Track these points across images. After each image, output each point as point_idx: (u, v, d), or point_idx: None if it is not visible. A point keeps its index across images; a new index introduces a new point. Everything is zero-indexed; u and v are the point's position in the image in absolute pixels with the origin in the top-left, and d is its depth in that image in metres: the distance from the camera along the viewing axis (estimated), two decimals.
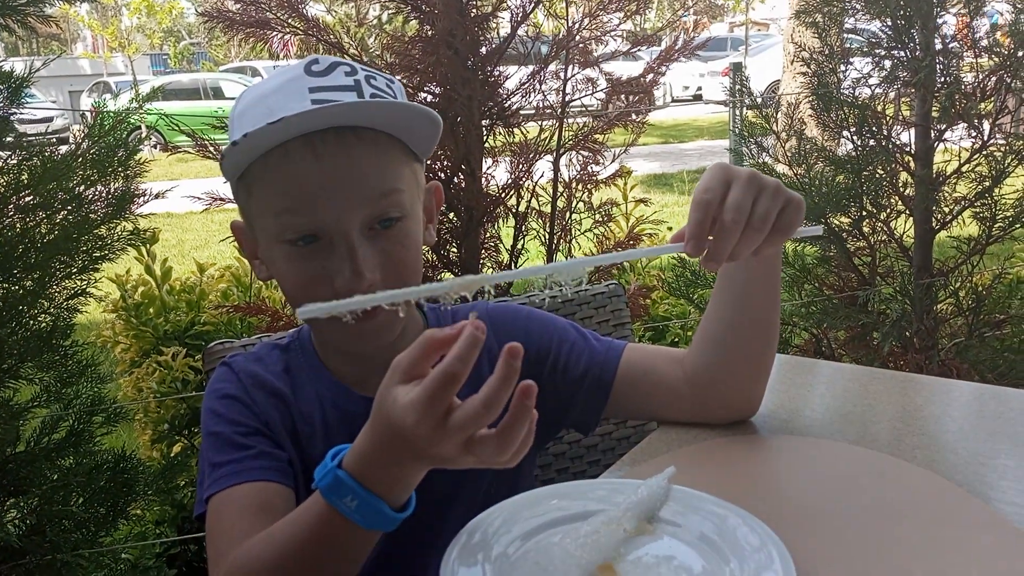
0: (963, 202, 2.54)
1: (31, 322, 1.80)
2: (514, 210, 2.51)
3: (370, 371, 0.98)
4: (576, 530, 0.78)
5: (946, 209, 2.56)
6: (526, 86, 2.51)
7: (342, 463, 0.74)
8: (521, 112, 2.50)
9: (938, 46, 2.56)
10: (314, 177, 0.88)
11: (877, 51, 2.59)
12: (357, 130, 0.90)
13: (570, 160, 2.57)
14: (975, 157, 2.54)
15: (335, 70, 0.92)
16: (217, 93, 16.35)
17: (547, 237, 2.57)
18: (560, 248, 2.58)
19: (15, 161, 1.80)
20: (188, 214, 8.32)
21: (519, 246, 2.54)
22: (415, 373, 0.70)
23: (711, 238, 0.82)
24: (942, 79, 2.55)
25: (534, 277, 0.75)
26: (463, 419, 0.68)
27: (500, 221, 2.53)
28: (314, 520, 0.76)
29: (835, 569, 0.76)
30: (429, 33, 2.39)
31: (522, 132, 2.54)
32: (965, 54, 2.58)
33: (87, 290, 1.88)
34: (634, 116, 2.67)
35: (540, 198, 2.56)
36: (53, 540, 1.74)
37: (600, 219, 2.60)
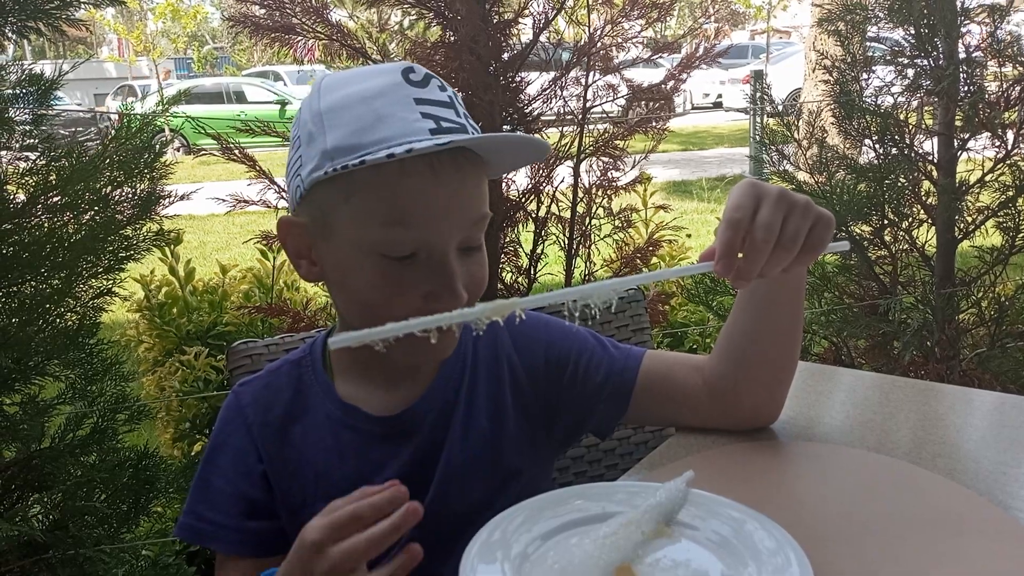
0: (986, 212, 2.52)
1: (58, 320, 1.82)
2: (534, 215, 2.52)
3: (379, 389, 1.01)
4: (595, 531, 0.79)
5: (969, 219, 2.54)
6: (547, 92, 2.52)
7: None
8: (542, 118, 2.52)
9: (962, 55, 2.55)
10: (432, 196, 0.87)
11: (900, 59, 2.58)
12: (467, 152, 0.90)
13: (590, 166, 2.58)
14: (998, 167, 2.52)
15: (430, 82, 0.91)
16: (240, 97, 16.49)
17: (566, 242, 2.58)
18: (579, 253, 2.58)
19: (44, 162, 1.84)
20: (210, 216, 8.40)
21: (539, 251, 2.55)
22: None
23: (740, 255, 0.82)
24: (965, 88, 2.53)
25: (565, 300, 0.75)
26: (346, 548, 0.73)
27: (520, 226, 2.54)
28: None
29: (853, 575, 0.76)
30: (452, 39, 2.41)
31: (543, 137, 2.55)
32: (989, 63, 2.57)
33: (112, 289, 1.91)
34: (654, 123, 2.67)
35: (560, 203, 2.57)
36: (76, 535, 1.77)
37: (619, 225, 2.61)
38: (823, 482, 0.96)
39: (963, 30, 2.52)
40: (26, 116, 1.89)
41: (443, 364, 1.02)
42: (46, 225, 1.81)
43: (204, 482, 1.00)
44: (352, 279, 0.91)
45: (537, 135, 2.50)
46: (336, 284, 0.95)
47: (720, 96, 18.14)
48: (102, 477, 1.82)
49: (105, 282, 1.90)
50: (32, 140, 1.90)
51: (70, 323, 1.84)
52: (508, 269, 2.51)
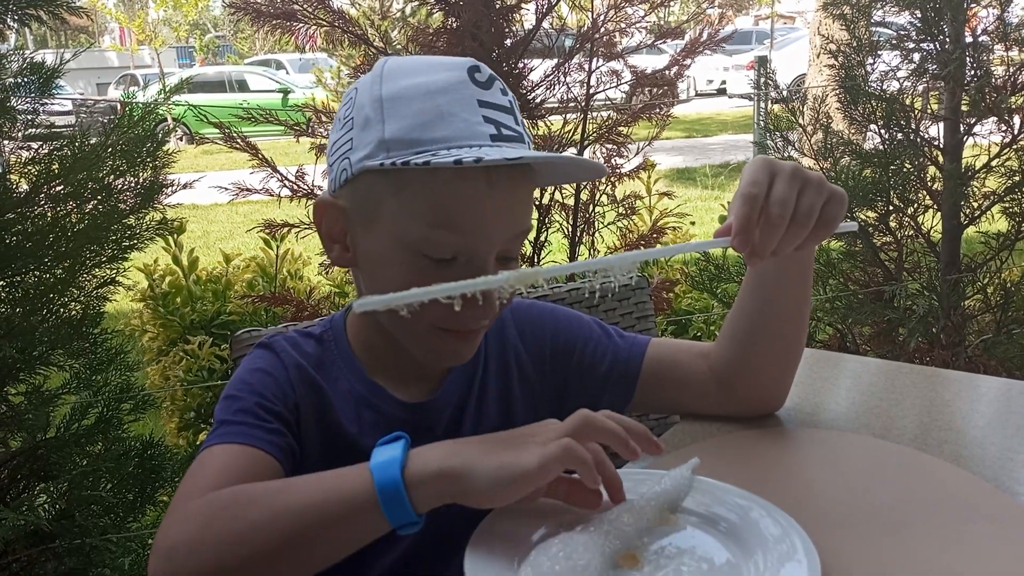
0: (992, 197, 2.51)
1: (61, 310, 1.83)
2: (537, 202, 2.52)
3: (408, 376, 0.99)
4: (600, 519, 0.79)
5: (975, 204, 2.53)
6: (550, 78, 2.51)
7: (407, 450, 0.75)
8: (545, 104, 2.50)
9: (968, 39, 2.53)
10: (483, 205, 0.85)
11: (906, 44, 2.56)
12: (523, 166, 0.88)
13: (594, 153, 2.57)
14: (1005, 152, 2.51)
15: (493, 84, 0.89)
16: (242, 86, 16.46)
17: (570, 230, 2.57)
18: (583, 241, 2.58)
19: (46, 151, 1.83)
20: (213, 206, 8.41)
21: (542, 238, 2.54)
22: None
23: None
24: (972, 72, 2.51)
25: (586, 270, 0.75)
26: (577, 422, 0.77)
27: None
28: (344, 469, 0.75)
29: (859, 562, 0.76)
30: (454, 25, 2.40)
31: (546, 124, 2.54)
32: (996, 47, 2.55)
33: (116, 279, 1.91)
34: (658, 109, 2.66)
35: (563, 190, 2.56)
36: (82, 525, 1.77)
37: (623, 212, 2.60)
38: (829, 468, 0.96)
39: (969, 14, 2.50)
40: (27, 105, 1.88)
41: (456, 367, 1.01)
42: (49, 214, 1.81)
43: (233, 400, 0.91)
44: (386, 272, 0.89)
45: (541, 123, 2.49)
46: (368, 274, 0.93)
47: (724, 83, 18.06)
48: (108, 466, 1.83)
49: (109, 271, 1.90)
50: (34, 129, 1.89)
51: (74, 313, 1.85)
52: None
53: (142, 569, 1.92)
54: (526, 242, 2.54)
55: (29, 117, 1.88)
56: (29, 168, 1.79)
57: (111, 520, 1.84)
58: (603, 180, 2.56)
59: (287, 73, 18.71)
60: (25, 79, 1.87)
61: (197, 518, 0.74)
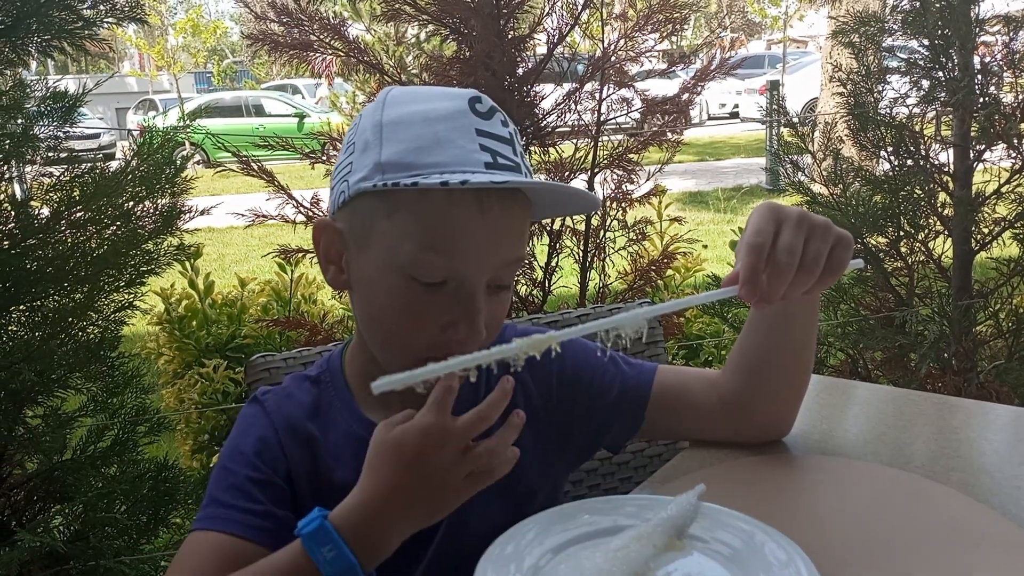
0: (1003, 223, 2.51)
1: (80, 334, 1.86)
2: (548, 227, 2.54)
3: (409, 406, 1.01)
4: (606, 544, 0.80)
5: (985, 230, 2.53)
6: (562, 106, 2.54)
7: (328, 516, 0.78)
8: (556, 131, 2.53)
9: (977, 66, 2.54)
10: (474, 230, 0.86)
11: (915, 71, 2.57)
12: (516, 194, 0.89)
13: (604, 178, 2.59)
14: (1015, 178, 2.51)
15: (494, 115, 0.90)
16: (259, 111, 16.66)
17: (581, 255, 2.59)
18: (594, 266, 2.59)
19: (68, 178, 1.87)
20: (229, 228, 8.48)
21: (553, 263, 2.56)
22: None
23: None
24: (981, 99, 2.52)
25: (598, 331, 0.77)
26: (462, 424, 0.78)
27: (534, 238, 2.55)
28: (286, 565, 0.78)
29: None
30: (467, 54, 2.43)
31: (557, 151, 2.56)
32: (1005, 74, 2.56)
33: (134, 303, 1.94)
34: (669, 135, 2.68)
35: (574, 216, 2.58)
36: (96, 546, 1.79)
37: (634, 237, 2.62)
38: (836, 495, 0.97)
39: (978, 41, 2.52)
40: (50, 132, 1.92)
41: (460, 389, 1.03)
42: (69, 240, 1.85)
43: (226, 472, 0.94)
44: (376, 294, 0.90)
45: (552, 150, 2.52)
46: (360, 296, 0.94)
47: (736, 106, 18.12)
48: (122, 489, 1.84)
49: (127, 296, 1.92)
50: (56, 155, 1.93)
51: (92, 336, 1.87)
52: (523, 282, 2.52)
53: None
54: (537, 267, 2.56)
55: (52, 144, 1.92)
56: (51, 195, 1.83)
57: (125, 542, 1.85)
58: (614, 205, 2.58)
59: (303, 98, 18.93)
60: (48, 107, 1.91)
61: None
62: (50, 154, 1.95)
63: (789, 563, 0.77)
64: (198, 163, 11.48)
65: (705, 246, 3.89)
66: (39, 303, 1.80)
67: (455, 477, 0.78)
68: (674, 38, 2.77)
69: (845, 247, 0.85)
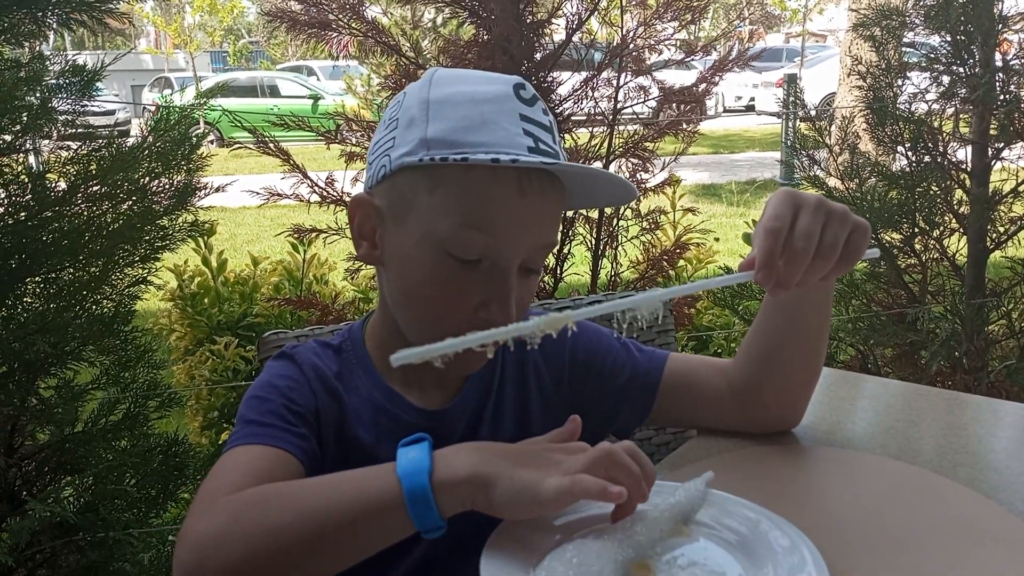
0: (1019, 222, 2.49)
1: (94, 307, 1.86)
2: (562, 214, 2.53)
3: (426, 383, 1.00)
4: (613, 528, 0.80)
5: (1001, 229, 2.51)
6: (578, 92, 2.53)
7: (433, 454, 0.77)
8: (572, 118, 2.53)
9: (998, 63, 2.52)
10: (514, 210, 0.87)
11: (935, 66, 2.55)
12: (554, 178, 0.90)
13: (619, 167, 2.59)
14: None
15: (536, 103, 0.92)
16: (273, 91, 16.65)
17: (593, 242, 2.59)
18: (606, 254, 2.59)
19: (85, 151, 1.88)
20: (242, 209, 8.51)
21: (565, 250, 2.56)
22: None
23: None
24: (1001, 96, 2.50)
25: (614, 311, 0.78)
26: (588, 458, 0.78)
27: None
28: (370, 469, 0.77)
29: None
30: (485, 38, 2.43)
31: (573, 138, 2.56)
32: None
33: (147, 278, 1.95)
34: (685, 125, 2.67)
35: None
36: (106, 518, 1.80)
37: (647, 227, 2.61)
38: (843, 487, 0.97)
39: (1000, 38, 2.49)
40: (68, 106, 1.93)
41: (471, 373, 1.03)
42: (85, 214, 1.85)
43: (260, 400, 0.92)
44: (411, 270, 0.91)
45: (567, 136, 2.51)
46: (392, 272, 0.94)
47: (753, 99, 18.00)
48: (133, 462, 1.86)
49: (141, 271, 1.93)
50: (73, 129, 1.94)
51: (106, 310, 1.88)
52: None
53: (162, 565, 1.95)
54: (549, 254, 2.56)
55: (68, 118, 1.92)
56: (68, 168, 1.84)
57: (134, 515, 1.87)
58: None
59: (318, 80, 18.91)
60: (66, 81, 1.92)
61: (226, 513, 0.76)
62: (67, 129, 1.95)
63: (794, 550, 0.77)
64: (212, 142, 11.51)
65: (717, 239, 3.88)
66: (54, 275, 1.82)
67: (546, 466, 0.77)
68: (692, 28, 2.75)
69: (862, 234, 0.85)
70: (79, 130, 1.97)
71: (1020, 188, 2.50)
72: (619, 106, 2.57)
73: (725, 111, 17.50)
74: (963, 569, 0.78)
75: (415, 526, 0.74)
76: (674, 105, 2.79)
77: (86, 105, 1.96)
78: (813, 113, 2.83)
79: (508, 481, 0.75)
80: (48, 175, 1.86)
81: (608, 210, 2.57)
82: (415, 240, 0.90)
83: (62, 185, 1.84)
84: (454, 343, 0.73)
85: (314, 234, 2.49)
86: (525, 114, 0.89)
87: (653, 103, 2.68)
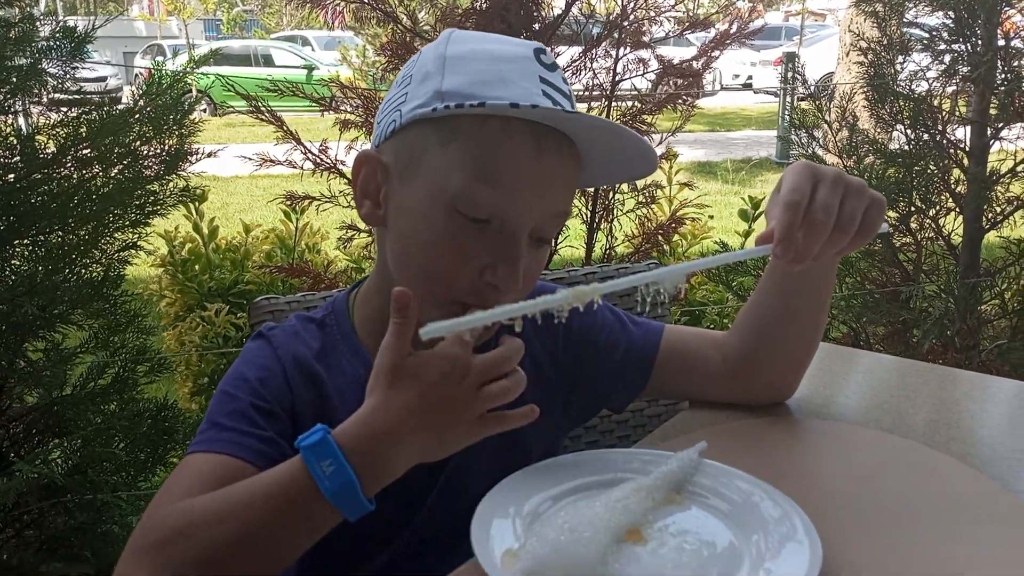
0: (1016, 202, 2.49)
1: (83, 271, 1.85)
2: None
3: None
4: (606, 495, 0.80)
5: (998, 209, 2.51)
6: (576, 64, 2.50)
7: (332, 432, 0.74)
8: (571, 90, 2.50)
9: (1000, 42, 2.50)
10: (528, 170, 0.84)
11: (936, 44, 2.53)
12: (571, 145, 0.87)
13: None
14: None
15: (556, 70, 0.89)
16: (268, 60, 16.48)
17: (589, 215, 2.57)
18: (600, 228, 2.58)
19: (75, 114, 1.85)
20: (234, 178, 8.45)
21: None
22: None
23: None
24: (1002, 76, 2.49)
25: (639, 284, 0.77)
26: (485, 360, 0.76)
27: None
28: (284, 481, 0.74)
29: (861, 552, 0.76)
30: (483, 6, 2.39)
31: None
32: None
33: (137, 243, 1.93)
34: (683, 100, 2.65)
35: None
36: (94, 481, 1.80)
37: (643, 201, 2.60)
38: (835, 459, 0.97)
39: (1003, 17, 2.47)
40: (58, 69, 1.90)
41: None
42: (75, 177, 1.83)
43: (229, 398, 0.90)
44: (416, 229, 0.87)
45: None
46: (396, 232, 0.90)
47: (750, 77, 17.93)
48: (122, 425, 1.85)
49: (131, 236, 1.91)
50: (63, 94, 1.91)
51: (95, 274, 1.87)
52: None
53: None
54: None
55: (58, 83, 1.89)
56: (57, 130, 1.81)
57: (122, 478, 1.87)
58: None
59: (312, 50, 18.72)
60: (57, 43, 1.89)
61: (153, 552, 0.74)
62: (57, 95, 1.92)
63: (785, 520, 0.77)
64: (204, 110, 11.40)
65: (711, 216, 3.87)
66: (43, 238, 1.80)
67: (470, 411, 0.76)
68: (691, 3, 2.72)
69: (879, 208, 0.84)
70: (70, 95, 1.93)
71: (1018, 168, 2.49)
72: (617, 79, 2.54)
73: (723, 88, 17.43)
74: (955, 543, 0.78)
75: (329, 494, 0.73)
76: (672, 80, 2.76)
77: (76, 67, 1.93)
78: (813, 89, 2.80)
79: (441, 446, 0.77)
80: (37, 137, 1.84)
81: None
82: (423, 197, 0.86)
83: (51, 148, 1.82)
84: (483, 316, 0.72)
85: (307, 202, 2.47)
86: (545, 77, 0.86)
87: (652, 76, 2.65)
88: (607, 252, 2.59)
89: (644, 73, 2.60)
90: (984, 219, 2.53)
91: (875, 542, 0.78)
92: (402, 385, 0.75)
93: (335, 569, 0.94)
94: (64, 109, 1.88)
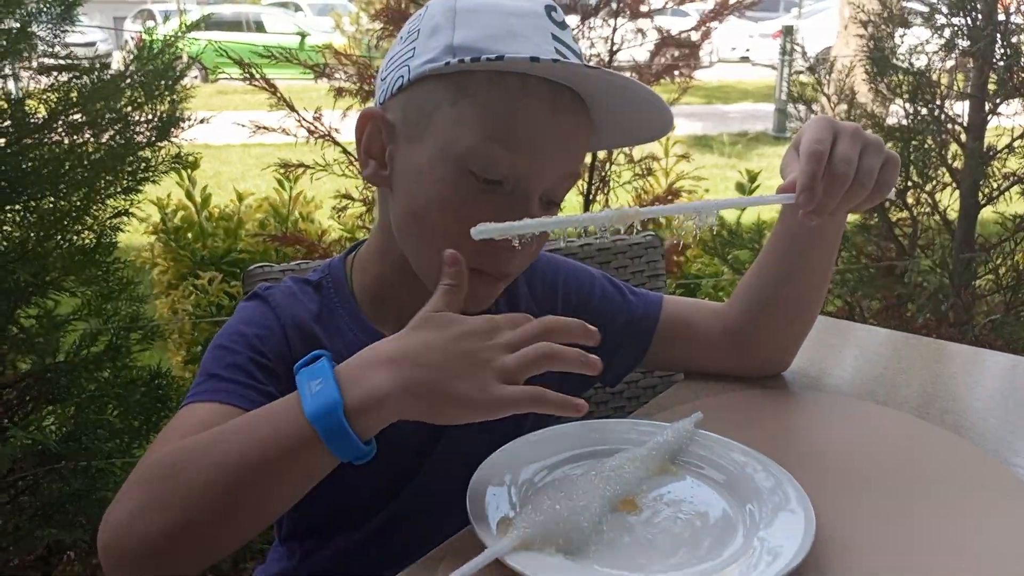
0: (1012, 178, 2.49)
1: (75, 237, 1.83)
2: None
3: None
4: (601, 464, 0.80)
5: (994, 184, 2.50)
6: (574, 33, 2.47)
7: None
8: None
9: (1000, 16, 2.48)
10: (544, 128, 0.82)
11: (936, 17, 2.51)
12: (584, 107, 0.85)
13: None
14: None
15: (566, 29, 0.86)
16: (259, 27, 16.28)
17: (585, 187, 2.56)
18: (596, 199, 2.57)
19: (65, 78, 1.83)
20: (226, 147, 8.39)
21: None
22: None
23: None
24: (1001, 51, 2.47)
25: (679, 213, 0.78)
26: (517, 332, 0.72)
27: None
28: (274, 408, 0.70)
29: (854, 521, 0.77)
30: None
31: None
32: None
33: (130, 210, 1.91)
34: (680, 71, 2.62)
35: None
36: (88, 447, 1.80)
37: (640, 172, 2.58)
38: (830, 430, 0.97)
39: None
40: (48, 33, 1.87)
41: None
42: (66, 142, 1.81)
43: (226, 352, 0.86)
44: (425, 188, 0.84)
45: None
46: (401, 193, 0.86)
47: (748, 50, 17.81)
48: (115, 393, 1.85)
49: (123, 202, 1.90)
50: (53, 60, 1.88)
51: (87, 241, 1.85)
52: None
53: None
54: None
55: (48, 47, 1.86)
56: (48, 95, 1.79)
57: (116, 445, 1.86)
58: None
59: (305, 16, 18.50)
60: (46, 6, 1.85)
61: (138, 487, 0.70)
62: (47, 60, 1.89)
63: (778, 489, 0.78)
64: (195, 77, 11.26)
65: (707, 190, 3.85)
66: (34, 204, 1.78)
67: (487, 369, 0.69)
68: None
69: (894, 166, 0.85)
70: (59, 60, 1.90)
71: (1015, 144, 2.49)
72: (615, 48, 2.52)
73: (720, 61, 17.30)
74: (947, 513, 0.79)
75: (340, 459, 0.68)
76: (669, 52, 2.73)
77: (66, 31, 1.90)
78: (812, 62, 2.78)
79: (445, 397, 0.68)
80: (28, 102, 1.81)
81: (601, 154, 2.54)
82: (431, 156, 0.83)
83: (42, 113, 1.80)
84: (533, 223, 0.73)
85: (300, 171, 2.45)
86: (556, 35, 0.84)
87: (650, 46, 2.63)
88: None
89: (642, 44, 2.57)
90: (980, 194, 2.53)
91: (868, 512, 0.78)
92: (426, 326, 0.72)
93: (331, 529, 0.94)
94: (54, 74, 1.85)
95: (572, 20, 2.52)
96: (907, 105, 2.53)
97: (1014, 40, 2.48)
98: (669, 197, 2.59)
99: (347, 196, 2.46)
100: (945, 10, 2.52)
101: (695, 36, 2.63)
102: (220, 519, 0.68)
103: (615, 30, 2.51)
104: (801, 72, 2.91)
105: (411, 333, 0.72)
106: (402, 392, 0.67)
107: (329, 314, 0.92)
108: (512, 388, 0.68)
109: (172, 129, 1.95)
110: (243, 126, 2.36)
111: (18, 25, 1.79)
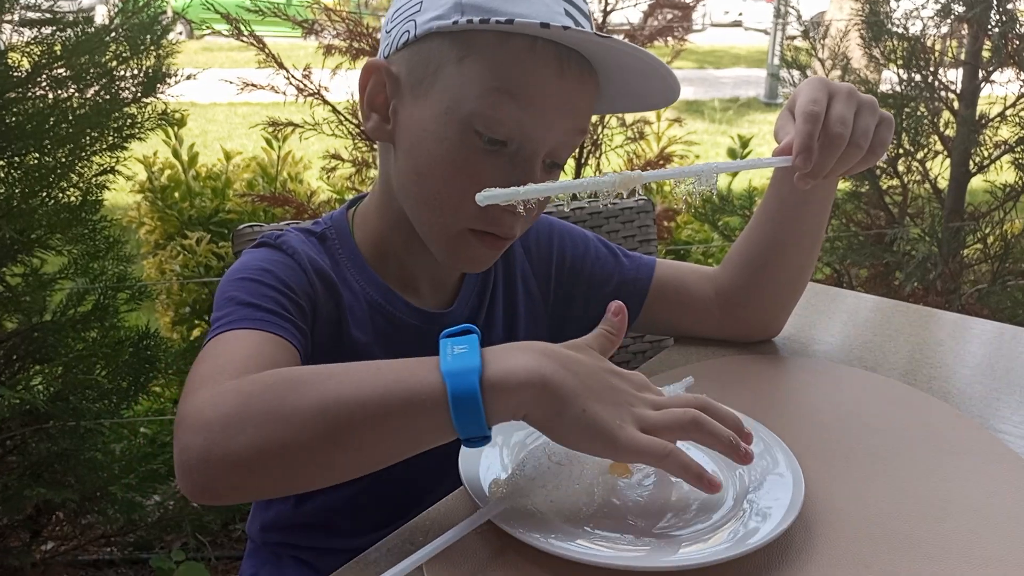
0: (1003, 147, 2.49)
1: (61, 194, 1.81)
2: None
3: (419, 282, 0.95)
4: None
5: (985, 153, 2.50)
6: None
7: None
8: None
9: None
10: (551, 90, 0.80)
11: None
12: (592, 70, 0.83)
13: None
14: (1021, 101, 2.47)
15: None
16: None
17: (578, 151, 2.54)
18: (588, 163, 2.55)
19: (49, 31, 1.79)
20: (212, 105, 8.28)
21: None
22: None
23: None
24: (997, 17, 2.46)
25: (680, 177, 0.78)
26: (660, 398, 0.71)
27: None
28: (408, 360, 0.66)
29: (841, 484, 0.78)
30: None
31: None
32: None
33: (116, 168, 1.89)
34: (673, 34, 2.59)
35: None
36: (76, 407, 1.80)
37: (632, 136, 2.57)
38: (818, 395, 0.98)
39: None
40: None
41: (468, 275, 0.99)
42: (50, 96, 1.78)
43: (255, 284, 0.81)
44: (429, 147, 0.82)
45: None
46: (407, 149, 0.85)
47: (740, 14, 17.66)
48: (104, 353, 1.84)
49: (109, 159, 1.87)
50: (36, 15, 1.84)
51: (73, 199, 1.83)
52: None
53: (133, 455, 1.96)
54: None
55: (31, 1, 1.82)
56: (31, 47, 1.75)
57: (105, 406, 1.86)
58: None
59: None
60: None
61: (236, 394, 0.65)
62: (29, 13, 1.85)
63: (767, 453, 0.78)
64: (180, 33, 11.06)
65: (698, 156, 3.84)
66: (18, 159, 1.75)
67: (622, 401, 0.67)
68: None
69: (888, 126, 0.84)
70: (42, 13, 1.86)
71: (1007, 113, 2.48)
72: (608, 8, 2.49)
73: (712, 25, 17.16)
74: (934, 477, 0.80)
75: (456, 432, 0.64)
76: (661, 15, 2.70)
77: None
78: (806, 25, 2.76)
79: (580, 412, 0.64)
80: (11, 54, 1.78)
81: (594, 118, 2.52)
82: (437, 113, 0.81)
83: (25, 66, 1.76)
84: (536, 189, 0.72)
85: (289, 130, 2.42)
86: None
87: (644, 7, 2.59)
88: None
89: (636, 3, 2.54)
90: (971, 163, 2.53)
91: (856, 476, 0.79)
92: (582, 351, 0.70)
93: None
94: (38, 27, 1.81)
95: None
96: (901, 71, 2.52)
97: (1009, 6, 2.47)
98: (660, 162, 2.58)
99: (336, 156, 2.43)
100: None
101: None
102: (315, 452, 0.64)
103: None
104: (795, 37, 2.88)
105: (566, 346, 0.70)
106: (541, 382, 0.64)
107: (337, 266, 0.91)
108: (646, 436, 0.65)
109: (158, 85, 1.91)
110: (231, 83, 2.33)
111: None
